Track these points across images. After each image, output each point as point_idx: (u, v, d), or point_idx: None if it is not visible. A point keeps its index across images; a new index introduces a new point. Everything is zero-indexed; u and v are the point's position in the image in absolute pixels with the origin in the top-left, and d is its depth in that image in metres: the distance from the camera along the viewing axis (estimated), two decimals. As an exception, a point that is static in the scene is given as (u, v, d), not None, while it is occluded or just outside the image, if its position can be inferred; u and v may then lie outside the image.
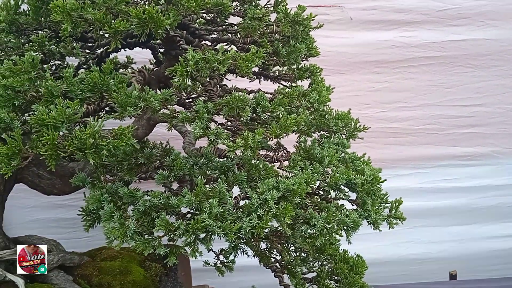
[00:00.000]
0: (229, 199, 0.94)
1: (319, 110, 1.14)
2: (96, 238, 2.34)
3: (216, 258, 1.24)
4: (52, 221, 2.32)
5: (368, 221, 1.07)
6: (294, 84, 1.34)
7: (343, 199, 1.13)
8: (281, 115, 1.00)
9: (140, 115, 0.91)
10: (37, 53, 0.94)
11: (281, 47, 1.13)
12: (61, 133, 0.83)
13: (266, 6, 1.27)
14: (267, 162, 1.08)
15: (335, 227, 0.99)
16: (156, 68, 1.46)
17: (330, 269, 1.37)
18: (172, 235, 0.89)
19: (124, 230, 0.87)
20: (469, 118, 2.42)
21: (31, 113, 0.91)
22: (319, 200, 1.12)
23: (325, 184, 1.08)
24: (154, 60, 1.62)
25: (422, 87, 2.36)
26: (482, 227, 2.60)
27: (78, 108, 0.82)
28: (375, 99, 2.37)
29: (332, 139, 1.27)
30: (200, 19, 1.32)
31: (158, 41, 1.43)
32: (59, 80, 0.86)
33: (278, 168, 1.10)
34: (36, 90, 0.86)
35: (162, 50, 1.53)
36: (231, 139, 0.95)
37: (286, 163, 1.18)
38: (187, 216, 0.96)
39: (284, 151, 1.28)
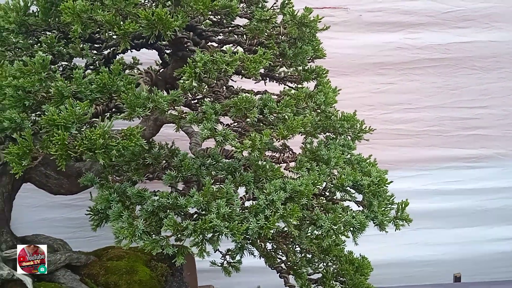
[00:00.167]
0: (237, 200, 0.95)
1: (326, 112, 1.14)
2: (101, 237, 2.36)
3: (222, 258, 1.25)
4: (57, 221, 2.34)
5: (374, 223, 1.07)
6: (300, 86, 1.35)
7: (349, 200, 1.13)
8: (287, 117, 1.00)
9: (147, 115, 0.91)
10: (46, 54, 0.95)
11: (288, 48, 1.13)
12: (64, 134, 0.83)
13: (272, 8, 1.28)
14: (273, 163, 1.08)
15: (342, 228, 0.99)
16: (163, 69, 1.47)
17: (336, 270, 1.37)
18: (180, 235, 0.90)
19: (133, 229, 0.88)
20: (474, 120, 2.42)
21: (38, 113, 0.93)
22: (325, 201, 1.13)
23: (332, 185, 1.09)
24: (160, 61, 1.63)
25: (427, 89, 2.36)
26: (486, 229, 2.59)
27: (88, 108, 0.82)
28: (379, 101, 2.37)
29: (338, 140, 1.27)
30: (207, 20, 1.33)
31: (164, 42, 1.44)
32: (68, 80, 0.87)
33: (284, 169, 1.11)
34: (46, 90, 0.87)
35: (168, 52, 1.54)
36: (238, 140, 0.96)
37: (292, 164, 1.18)
38: (194, 216, 0.97)
39: (290, 152, 1.29)
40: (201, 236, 0.89)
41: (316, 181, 1.01)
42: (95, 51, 1.24)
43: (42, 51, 1.01)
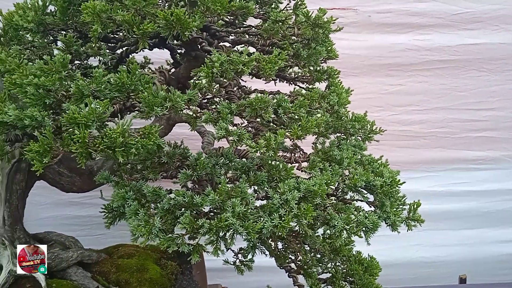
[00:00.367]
0: (251, 199, 0.96)
1: (339, 112, 1.15)
2: (108, 235, 2.37)
3: (235, 257, 1.26)
4: (65, 219, 2.35)
5: (387, 223, 1.08)
6: (311, 86, 1.36)
7: (361, 200, 1.14)
8: (302, 117, 1.01)
9: (164, 114, 0.92)
10: (64, 53, 0.96)
11: (302, 49, 1.14)
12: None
13: (285, 9, 1.29)
14: (286, 163, 1.09)
15: (355, 228, 1.00)
16: (175, 69, 1.47)
17: (345, 270, 1.38)
18: (195, 234, 0.91)
19: (150, 227, 0.89)
20: (481, 122, 2.42)
21: (57, 111, 0.94)
22: (336, 201, 1.13)
23: (344, 185, 1.09)
24: (171, 61, 1.64)
25: (435, 91, 2.36)
26: (492, 231, 2.59)
27: (108, 107, 0.84)
28: (387, 102, 2.38)
29: (349, 141, 1.28)
30: (219, 21, 1.34)
31: (176, 42, 1.45)
32: (86, 79, 0.88)
33: (297, 169, 1.11)
34: (66, 89, 0.88)
35: (180, 51, 1.55)
36: (252, 140, 0.96)
37: (304, 164, 1.19)
38: (210, 214, 0.98)
39: (301, 152, 1.30)
40: (216, 234, 0.90)
41: (329, 181, 1.01)
42: (108, 51, 1.25)
43: (60, 50, 1.02)
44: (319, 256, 1.37)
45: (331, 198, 1.16)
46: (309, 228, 1.00)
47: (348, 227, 1.00)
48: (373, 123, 1.39)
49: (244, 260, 1.23)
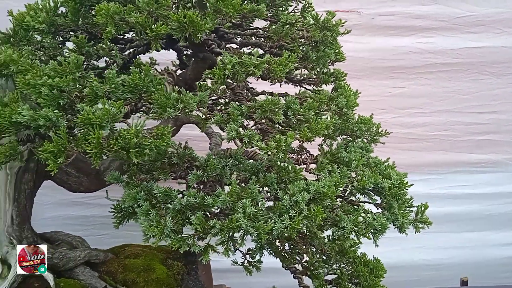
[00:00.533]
0: (262, 200, 0.96)
1: (347, 115, 1.16)
2: (112, 236, 2.38)
3: (243, 257, 1.26)
4: (69, 218, 2.36)
5: (395, 225, 1.09)
6: (318, 88, 1.37)
7: (368, 202, 1.15)
8: (311, 119, 1.02)
9: (177, 116, 0.93)
10: (76, 53, 0.97)
11: (310, 51, 1.15)
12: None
13: (293, 11, 1.30)
14: (295, 165, 1.10)
15: (364, 229, 1.01)
16: (183, 70, 1.48)
17: (350, 272, 1.39)
18: (205, 234, 0.92)
19: (162, 227, 0.90)
20: (484, 125, 2.43)
21: (69, 111, 0.94)
22: (344, 203, 1.14)
23: (353, 187, 1.10)
24: (177, 62, 1.65)
25: (438, 94, 2.38)
26: (494, 234, 2.61)
27: (122, 108, 0.84)
28: (390, 105, 2.39)
29: (356, 143, 1.29)
30: (227, 23, 1.34)
31: (182, 43, 1.46)
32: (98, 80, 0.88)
33: (305, 170, 1.12)
34: (80, 90, 0.89)
35: (186, 53, 1.56)
36: (263, 141, 0.97)
37: (311, 166, 1.20)
38: (220, 215, 0.98)
39: (307, 154, 1.31)
40: (227, 235, 0.91)
41: (338, 183, 1.02)
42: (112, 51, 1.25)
43: (72, 51, 1.03)
44: (324, 257, 1.38)
45: (338, 200, 1.16)
46: (318, 230, 1.00)
47: (357, 229, 1.01)
48: (378, 125, 1.40)
49: (252, 260, 1.23)
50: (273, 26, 1.13)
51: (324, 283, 1.29)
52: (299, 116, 1.04)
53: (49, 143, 0.82)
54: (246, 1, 1.00)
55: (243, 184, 1.05)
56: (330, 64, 1.27)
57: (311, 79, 1.37)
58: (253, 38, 1.32)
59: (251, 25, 1.37)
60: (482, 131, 2.46)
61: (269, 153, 0.94)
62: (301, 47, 1.14)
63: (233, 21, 1.31)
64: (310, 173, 1.13)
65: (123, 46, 1.33)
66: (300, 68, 1.22)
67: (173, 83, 1.26)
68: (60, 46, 1.18)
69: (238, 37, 1.30)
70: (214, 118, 0.98)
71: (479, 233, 2.61)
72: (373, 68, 2.34)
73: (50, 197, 2.29)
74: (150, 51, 1.44)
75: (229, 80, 1.01)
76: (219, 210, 0.99)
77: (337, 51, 1.22)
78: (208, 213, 0.99)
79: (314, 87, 1.37)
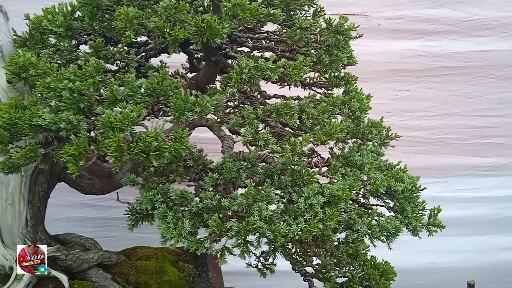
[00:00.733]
0: (277, 203, 0.97)
1: (360, 118, 1.17)
2: (120, 238, 2.39)
3: (256, 260, 1.27)
4: (77, 220, 2.37)
5: (408, 228, 1.10)
6: (329, 91, 1.38)
7: (380, 205, 1.15)
8: (325, 122, 1.03)
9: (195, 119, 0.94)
10: (95, 57, 0.98)
11: (324, 55, 1.16)
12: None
13: (305, 16, 1.31)
14: (308, 168, 1.11)
15: (378, 233, 1.01)
16: (195, 74, 1.49)
17: (361, 275, 1.39)
18: (222, 236, 0.92)
19: (180, 230, 0.91)
20: (490, 129, 2.44)
21: (87, 115, 0.96)
22: (357, 206, 1.15)
23: (366, 190, 1.11)
24: (187, 65, 1.67)
25: (444, 97, 2.38)
26: (501, 238, 2.60)
27: (142, 111, 0.85)
28: (397, 108, 2.39)
29: (367, 146, 1.30)
30: (240, 27, 1.36)
31: (194, 47, 1.47)
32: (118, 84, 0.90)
33: (318, 174, 1.13)
34: (99, 93, 0.90)
35: (197, 56, 1.57)
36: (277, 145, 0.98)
37: (323, 169, 1.21)
38: (234, 218, 0.99)
39: (318, 157, 1.31)
40: (244, 237, 0.91)
41: (352, 186, 1.03)
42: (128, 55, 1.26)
43: (89, 55, 1.04)
44: (335, 260, 1.38)
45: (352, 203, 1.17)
46: (332, 232, 1.01)
47: (371, 232, 1.02)
48: (388, 128, 1.41)
49: (266, 263, 1.24)
50: (287, 30, 1.14)
51: (335, 285, 1.30)
52: (313, 120, 1.05)
53: (70, 146, 0.83)
54: (261, 6, 1.01)
55: (257, 187, 1.06)
56: (342, 68, 1.28)
57: (322, 82, 1.38)
58: (263, 41, 1.34)
59: (261, 28, 1.38)
60: (488, 135, 2.46)
61: (285, 156, 0.95)
62: (317, 51, 1.15)
63: (245, 25, 1.32)
64: (322, 176, 1.14)
65: (136, 49, 1.34)
66: (314, 72, 1.23)
67: (187, 86, 1.27)
68: (75, 49, 1.20)
69: (250, 41, 1.32)
70: (230, 122, 0.98)
71: (485, 236, 2.61)
72: (379, 72, 2.35)
73: (59, 199, 2.29)
74: (161, 54, 1.46)
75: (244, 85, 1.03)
76: (234, 212, 0.99)
77: (349, 55, 1.23)
78: (225, 216, 1.00)
79: (325, 90, 1.39)
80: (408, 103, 2.39)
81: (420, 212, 1.12)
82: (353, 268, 1.42)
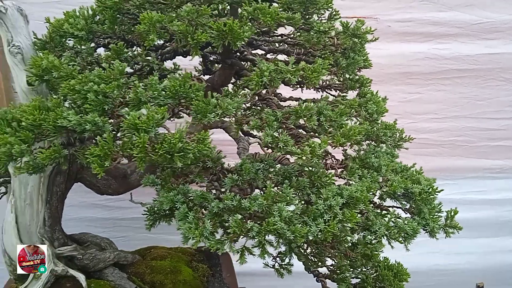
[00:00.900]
0: (297, 204, 0.98)
1: (377, 121, 1.18)
2: (130, 238, 2.40)
3: (273, 260, 1.28)
4: (88, 220, 2.38)
5: (425, 229, 1.10)
6: (343, 94, 1.39)
7: (397, 207, 1.16)
8: (344, 125, 1.04)
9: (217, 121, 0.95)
10: (117, 60, 1.00)
11: (341, 58, 1.17)
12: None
13: (320, 19, 1.32)
14: (325, 170, 1.12)
15: (396, 234, 1.02)
16: (210, 76, 1.51)
17: (374, 276, 1.40)
18: (243, 236, 0.94)
19: (201, 230, 0.92)
20: (500, 131, 2.44)
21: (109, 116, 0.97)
22: (373, 207, 1.16)
23: (383, 192, 1.12)
24: (199, 67, 1.68)
25: (454, 99, 2.38)
26: (509, 240, 2.60)
27: (165, 113, 0.87)
28: (406, 110, 2.40)
29: (381, 148, 1.31)
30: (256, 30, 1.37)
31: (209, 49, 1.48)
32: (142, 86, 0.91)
33: (335, 175, 1.14)
34: (123, 96, 0.92)
35: (210, 58, 1.58)
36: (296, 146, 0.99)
37: (339, 170, 1.22)
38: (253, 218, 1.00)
39: (332, 158, 1.32)
40: (264, 237, 0.93)
41: (370, 188, 1.04)
42: (149, 58, 1.28)
43: (111, 58, 1.06)
44: (349, 261, 1.39)
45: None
46: (351, 234, 1.02)
47: (388, 233, 1.03)
48: (402, 131, 1.42)
49: (283, 263, 1.25)
50: (305, 34, 1.16)
51: (350, 286, 1.31)
52: (331, 122, 1.06)
53: (95, 147, 0.85)
54: (281, 10, 1.02)
55: (275, 188, 1.07)
56: (358, 70, 1.29)
57: (336, 84, 1.39)
58: (276, 44, 1.35)
59: (275, 32, 1.39)
60: (497, 137, 2.46)
61: (304, 158, 0.97)
62: (334, 54, 1.16)
63: (261, 28, 1.34)
64: (339, 178, 1.15)
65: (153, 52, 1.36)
66: (331, 75, 1.24)
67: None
68: (94, 52, 1.22)
69: (266, 44, 1.33)
70: (250, 124, 1.00)
71: (493, 239, 2.61)
72: (389, 74, 2.35)
73: (70, 199, 2.31)
74: (175, 57, 1.48)
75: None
76: (253, 213, 1.00)
77: (364, 58, 1.24)
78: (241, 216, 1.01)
79: (339, 93, 1.40)
80: (418, 106, 2.40)
81: (436, 214, 1.13)
82: (365, 269, 1.42)
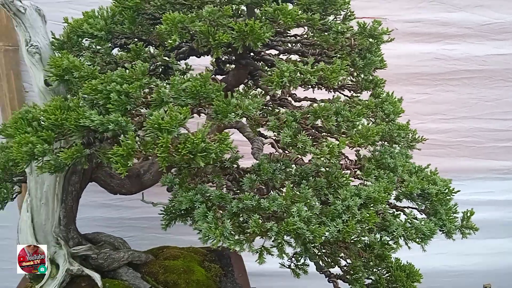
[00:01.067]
0: (316, 204, 0.99)
1: (394, 121, 1.18)
2: (138, 238, 2.41)
3: (289, 260, 1.29)
4: (97, 220, 2.39)
5: (442, 230, 1.11)
6: (356, 94, 1.39)
7: (413, 208, 1.17)
8: (362, 125, 1.04)
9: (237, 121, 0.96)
10: (139, 60, 1.00)
11: (358, 59, 1.18)
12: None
13: (335, 19, 1.33)
14: (341, 170, 1.12)
15: (414, 235, 1.03)
16: (224, 76, 1.52)
17: (386, 276, 1.40)
18: (263, 236, 0.94)
19: (221, 230, 0.92)
20: (508, 132, 2.44)
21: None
22: (388, 208, 1.16)
23: (400, 192, 1.12)
24: (210, 68, 1.69)
25: (462, 100, 2.38)
26: (517, 241, 2.60)
27: (188, 113, 0.87)
28: (415, 111, 2.40)
29: (395, 149, 1.31)
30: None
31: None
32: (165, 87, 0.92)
33: (351, 176, 1.14)
34: (145, 96, 0.92)
35: (223, 58, 1.59)
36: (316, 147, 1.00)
37: (354, 171, 1.22)
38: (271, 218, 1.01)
39: (346, 159, 1.33)
40: (283, 237, 0.93)
41: (387, 189, 1.04)
42: (166, 58, 1.29)
43: (130, 58, 1.06)
44: (361, 262, 1.39)
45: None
46: (368, 234, 1.02)
47: (405, 234, 1.03)
48: (415, 131, 1.42)
49: (299, 264, 1.26)
50: (322, 34, 1.16)
51: (364, 287, 1.31)
52: (348, 122, 1.06)
53: (118, 147, 0.85)
54: (301, 11, 1.03)
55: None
56: (373, 71, 1.30)
57: (349, 85, 1.40)
58: (289, 45, 1.36)
59: (288, 32, 1.40)
60: (505, 138, 2.46)
61: (323, 158, 0.97)
62: (350, 55, 1.16)
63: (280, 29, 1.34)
64: (356, 178, 1.15)
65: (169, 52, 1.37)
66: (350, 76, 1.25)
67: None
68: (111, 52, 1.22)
69: (280, 44, 1.34)
70: (270, 124, 1.00)
71: (502, 240, 2.60)
72: (398, 75, 2.35)
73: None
74: (189, 57, 1.49)
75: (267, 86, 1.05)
76: (271, 213, 1.01)
77: (380, 58, 1.25)
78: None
79: (353, 93, 1.40)
80: (426, 106, 2.40)
81: (452, 214, 1.13)
82: (376, 270, 1.43)
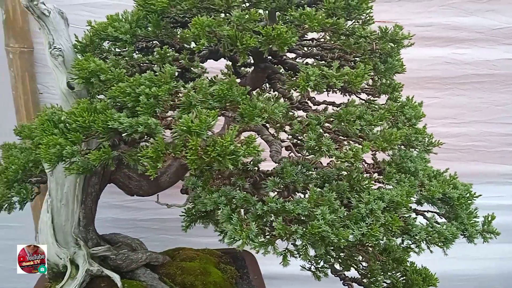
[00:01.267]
0: (340, 208, 0.99)
1: (415, 126, 1.19)
2: (149, 239, 2.41)
3: (310, 263, 1.29)
4: (108, 221, 2.40)
5: (464, 235, 1.11)
6: (373, 98, 1.40)
7: (433, 212, 1.17)
8: (384, 129, 1.05)
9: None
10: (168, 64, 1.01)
11: (379, 63, 1.19)
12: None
13: (353, 24, 1.34)
14: (363, 174, 1.13)
15: (436, 239, 1.03)
16: (241, 80, 1.53)
17: (402, 279, 1.40)
18: (287, 239, 0.95)
19: (247, 232, 0.93)
20: (518, 137, 2.44)
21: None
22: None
23: (421, 196, 1.13)
24: (225, 71, 1.70)
25: (472, 104, 2.39)
26: (526, 246, 2.59)
27: (216, 117, 0.88)
28: (425, 115, 2.40)
29: (413, 153, 1.32)
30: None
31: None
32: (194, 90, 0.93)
33: (372, 180, 1.15)
34: (173, 99, 0.93)
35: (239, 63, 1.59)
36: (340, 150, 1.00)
37: (375, 175, 1.23)
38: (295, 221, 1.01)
39: (363, 162, 1.33)
40: (308, 240, 0.94)
41: (409, 192, 1.05)
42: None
43: (155, 61, 1.07)
44: (375, 266, 1.39)
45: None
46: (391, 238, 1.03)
47: (428, 238, 1.04)
48: (431, 135, 1.43)
49: (319, 266, 1.26)
50: (343, 38, 1.17)
51: (381, 290, 1.31)
52: (370, 126, 1.07)
53: (147, 149, 0.86)
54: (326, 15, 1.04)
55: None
56: (393, 75, 1.30)
57: (366, 88, 1.41)
58: (307, 48, 1.36)
59: (307, 35, 1.41)
60: (516, 142, 2.46)
61: (347, 162, 0.98)
62: (372, 59, 1.17)
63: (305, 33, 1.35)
64: (377, 182, 1.16)
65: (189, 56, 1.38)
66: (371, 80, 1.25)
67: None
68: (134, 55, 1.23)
69: (300, 48, 1.35)
70: (295, 127, 1.01)
71: (510, 244, 2.60)
72: (408, 78, 2.32)
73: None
74: (207, 60, 1.50)
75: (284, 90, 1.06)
76: (295, 216, 1.01)
77: (400, 62, 1.26)
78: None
79: (371, 97, 1.41)
80: (436, 110, 2.40)
81: (473, 218, 1.13)
82: (391, 274, 1.43)
